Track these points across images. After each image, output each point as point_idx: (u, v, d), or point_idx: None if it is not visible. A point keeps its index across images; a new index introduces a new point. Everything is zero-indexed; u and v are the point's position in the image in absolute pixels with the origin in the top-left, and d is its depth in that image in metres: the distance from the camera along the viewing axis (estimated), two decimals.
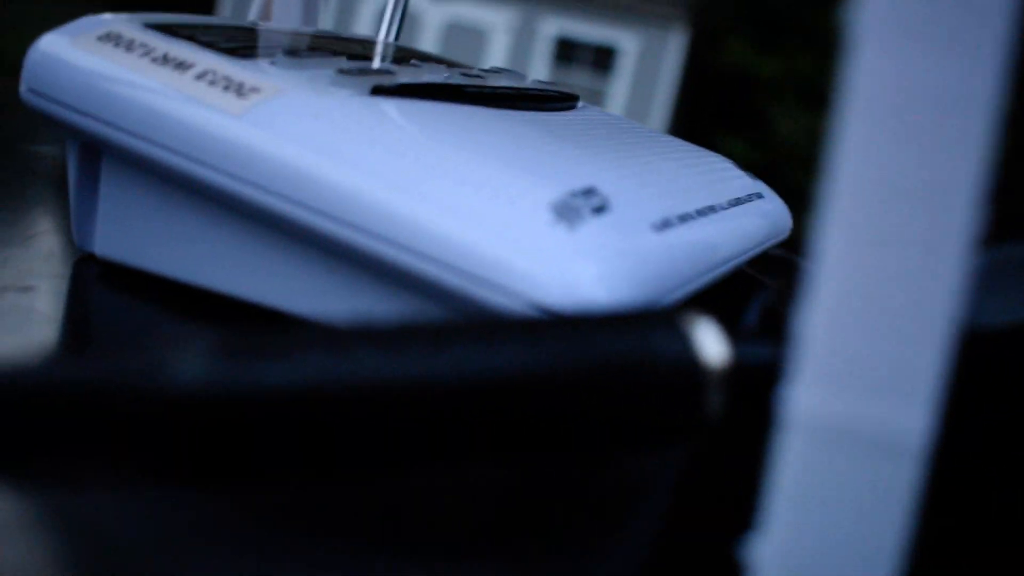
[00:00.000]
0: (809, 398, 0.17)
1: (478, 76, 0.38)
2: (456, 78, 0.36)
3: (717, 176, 0.38)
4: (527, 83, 0.42)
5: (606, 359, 0.18)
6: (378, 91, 0.31)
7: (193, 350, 0.17)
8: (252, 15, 0.49)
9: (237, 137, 0.28)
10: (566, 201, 0.27)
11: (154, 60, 0.31)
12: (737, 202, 0.37)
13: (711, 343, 0.19)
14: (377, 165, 0.27)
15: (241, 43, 0.33)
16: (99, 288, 0.33)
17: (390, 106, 0.30)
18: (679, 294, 0.28)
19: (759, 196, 0.40)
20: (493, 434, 0.18)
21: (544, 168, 0.29)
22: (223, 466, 0.17)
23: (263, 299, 0.30)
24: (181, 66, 0.30)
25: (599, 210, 0.28)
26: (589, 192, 0.28)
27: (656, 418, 0.19)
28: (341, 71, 0.31)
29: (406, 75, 0.34)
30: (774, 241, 0.40)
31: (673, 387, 0.19)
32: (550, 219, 0.26)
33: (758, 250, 0.37)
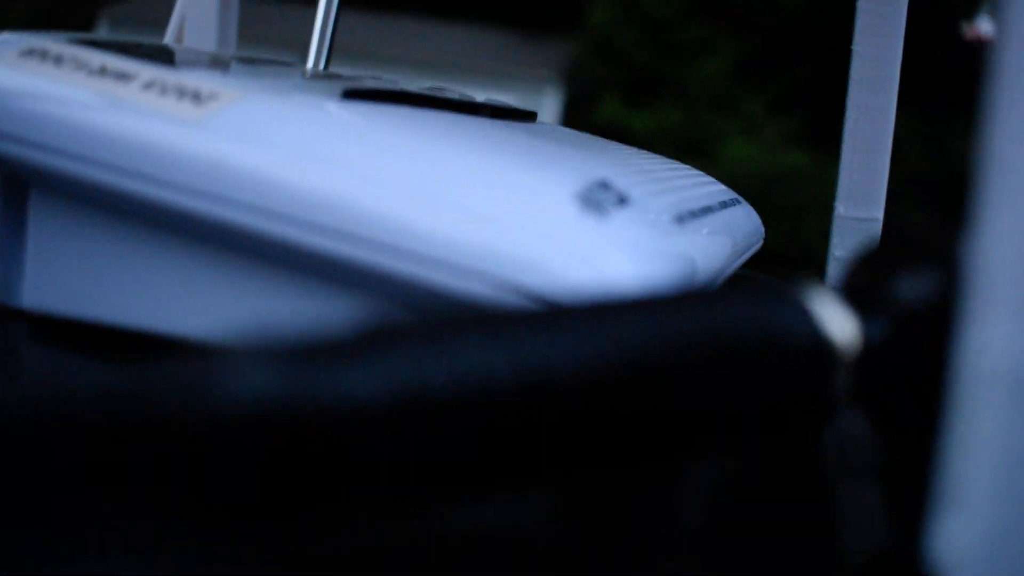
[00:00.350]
0: (1008, 340, 0.14)
1: (436, 88, 0.36)
2: (420, 87, 0.33)
3: (700, 180, 0.36)
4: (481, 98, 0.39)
5: (730, 341, 0.15)
6: (350, 95, 0.28)
7: (251, 356, 0.13)
8: (168, 38, 0.45)
9: (199, 147, 0.25)
10: (589, 192, 0.24)
11: (90, 73, 0.27)
12: (724, 205, 0.35)
13: (838, 319, 0.17)
14: (377, 172, 0.24)
15: (181, 55, 0.29)
16: (31, 349, 0.29)
17: (368, 110, 0.27)
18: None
19: (737, 202, 0.38)
20: (620, 432, 0.14)
21: (552, 164, 0.26)
22: (295, 507, 0.13)
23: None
24: (123, 77, 0.26)
25: (621, 202, 0.25)
26: (604, 185, 0.25)
27: (782, 404, 0.16)
28: (305, 76, 0.28)
29: (369, 82, 0.31)
30: (756, 245, 0.38)
31: (799, 370, 0.16)
32: (577, 211, 0.23)
33: (749, 252, 0.35)
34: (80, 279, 0.27)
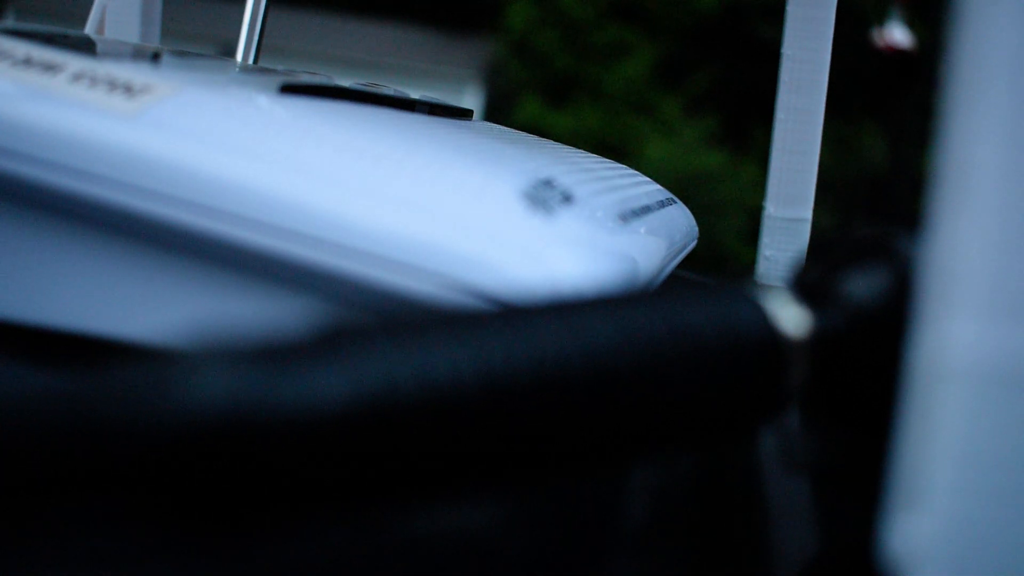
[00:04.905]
0: (971, 337, 0.14)
1: (371, 84, 0.35)
2: (356, 83, 0.33)
3: (637, 179, 0.36)
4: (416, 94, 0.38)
5: (690, 338, 0.15)
6: (288, 89, 0.27)
7: (210, 360, 0.12)
8: (88, 29, 0.43)
9: (133, 141, 0.24)
10: (534, 191, 0.24)
11: (14, 63, 0.25)
12: (662, 204, 0.35)
13: (791, 315, 0.17)
14: (321, 169, 0.23)
15: (109, 47, 0.28)
16: None
17: (307, 105, 0.26)
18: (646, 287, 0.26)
19: (673, 201, 0.38)
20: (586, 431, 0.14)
21: (496, 162, 0.26)
22: (260, 513, 0.12)
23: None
24: (50, 68, 0.25)
25: (566, 200, 0.25)
26: (549, 183, 0.25)
27: (740, 399, 0.16)
28: (240, 70, 0.27)
29: (305, 78, 0.30)
30: (692, 244, 0.38)
31: (756, 365, 0.16)
32: (524, 209, 0.23)
33: (686, 251, 0.35)
34: (7, 279, 0.26)
